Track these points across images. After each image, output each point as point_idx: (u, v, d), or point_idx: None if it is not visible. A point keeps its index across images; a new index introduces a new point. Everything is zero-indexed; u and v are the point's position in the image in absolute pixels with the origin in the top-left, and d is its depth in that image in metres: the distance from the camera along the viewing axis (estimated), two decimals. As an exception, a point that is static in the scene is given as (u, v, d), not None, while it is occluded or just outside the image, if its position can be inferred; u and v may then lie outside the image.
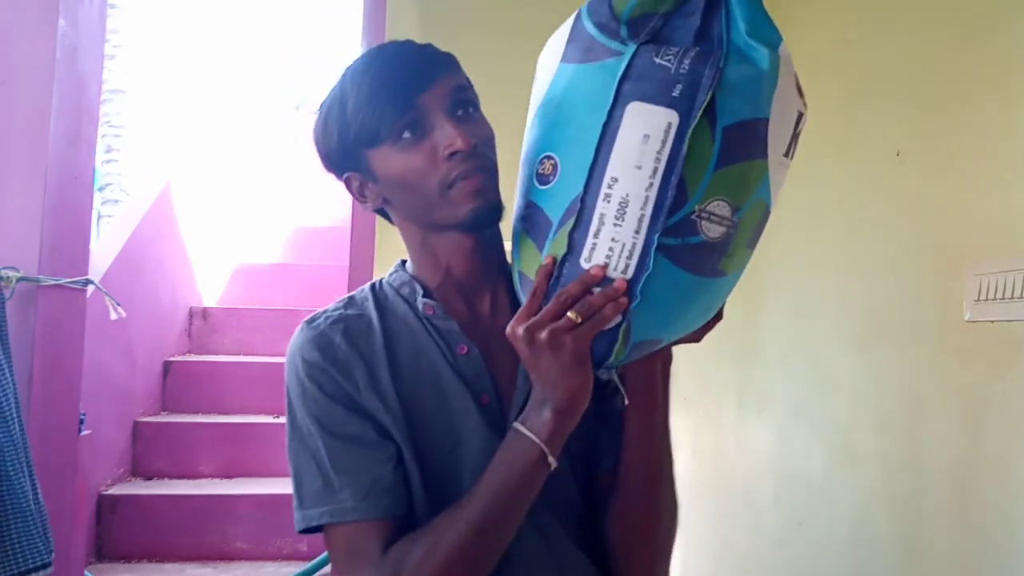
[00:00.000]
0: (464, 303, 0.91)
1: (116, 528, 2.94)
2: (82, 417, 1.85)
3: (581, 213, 0.75)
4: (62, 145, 1.67)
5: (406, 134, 0.83)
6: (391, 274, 0.95)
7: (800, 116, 0.80)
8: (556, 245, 0.77)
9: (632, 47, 0.75)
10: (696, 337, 0.85)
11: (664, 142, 0.73)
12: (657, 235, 0.73)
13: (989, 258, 1.30)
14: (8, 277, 1.55)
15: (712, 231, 0.74)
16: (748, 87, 0.74)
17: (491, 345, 0.89)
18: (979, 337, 1.32)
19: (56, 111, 1.64)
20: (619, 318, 0.75)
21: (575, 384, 0.76)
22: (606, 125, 0.74)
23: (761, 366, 2.15)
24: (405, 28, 2.36)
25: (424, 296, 0.90)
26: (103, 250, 3.19)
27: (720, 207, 0.74)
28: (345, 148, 0.87)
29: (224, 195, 4.74)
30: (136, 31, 6.45)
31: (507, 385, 0.89)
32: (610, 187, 0.74)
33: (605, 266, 0.74)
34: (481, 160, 0.84)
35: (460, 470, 0.86)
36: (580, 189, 0.75)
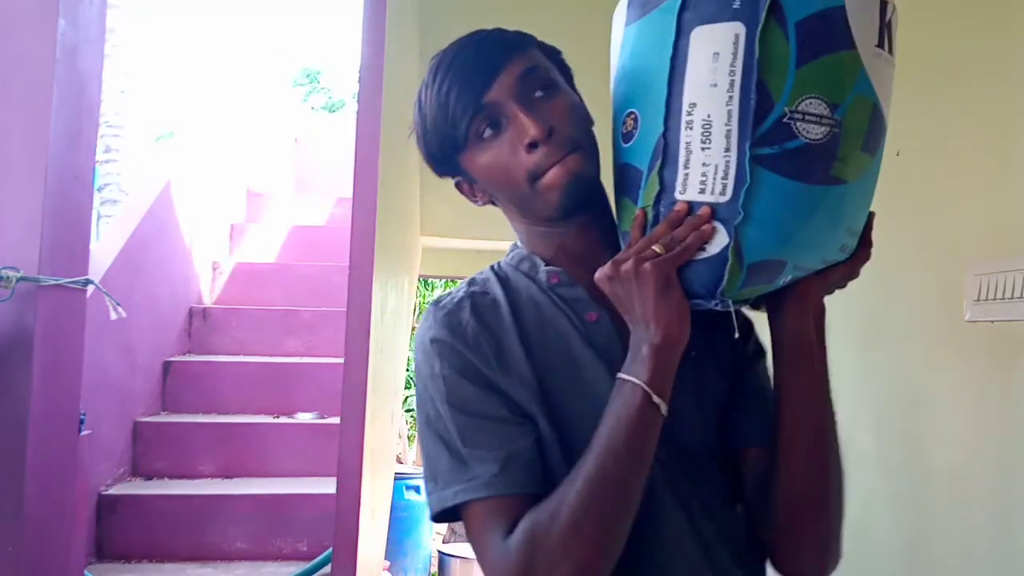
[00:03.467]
0: (586, 274, 0.86)
1: (116, 528, 2.94)
2: (82, 417, 1.85)
3: (666, 150, 0.74)
4: (62, 145, 1.67)
5: (486, 132, 0.83)
6: (507, 256, 0.94)
7: (885, 3, 0.76)
8: (648, 191, 0.76)
9: None
10: (849, 270, 0.84)
11: (735, 54, 0.70)
12: (748, 146, 0.71)
13: (989, 258, 1.30)
14: (8, 277, 1.55)
15: (811, 132, 0.71)
16: None
17: (618, 314, 0.84)
18: (979, 337, 1.32)
19: (56, 111, 1.64)
20: (726, 239, 0.72)
21: (665, 315, 0.74)
22: (674, 58, 0.73)
23: (761, 366, 2.15)
24: (405, 26, 2.36)
25: (545, 264, 0.89)
26: (103, 250, 3.19)
27: (814, 105, 0.71)
28: (437, 159, 0.88)
29: (224, 195, 4.74)
30: (137, 31, 6.44)
31: None
32: (690, 114, 0.72)
33: (701, 193, 0.72)
34: (562, 142, 0.82)
35: (578, 439, 0.82)
36: (661, 128, 0.73)
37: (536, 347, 0.85)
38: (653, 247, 0.74)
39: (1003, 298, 1.26)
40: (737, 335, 0.84)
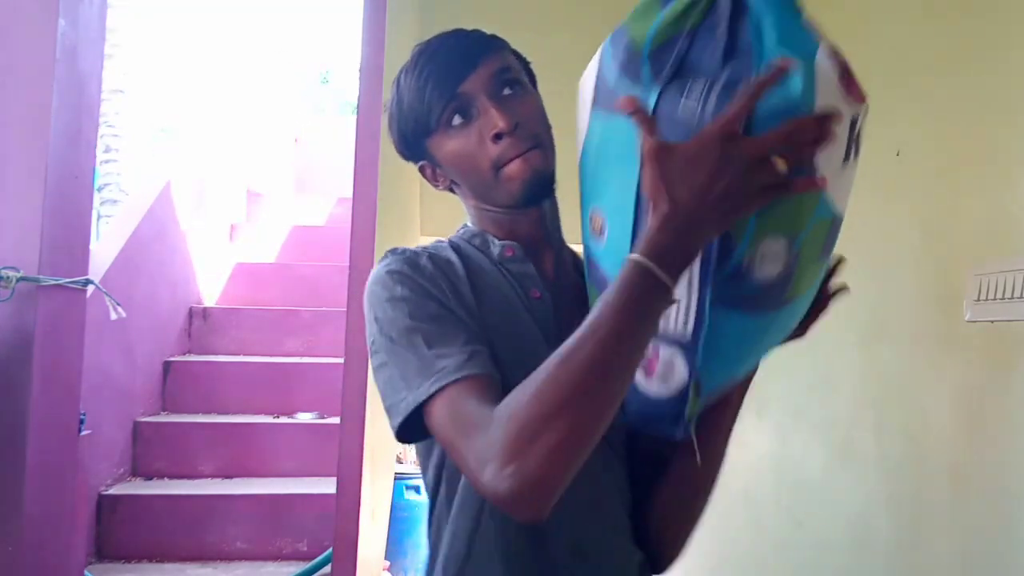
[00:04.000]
0: (532, 254, 0.94)
1: (116, 528, 2.94)
2: (82, 417, 1.85)
3: None
4: (62, 145, 1.67)
5: (456, 120, 0.88)
6: (457, 232, 0.99)
7: (856, 117, 0.72)
8: None
9: (656, 90, 0.71)
10: (800, 334, 0.85)
11: None
12: (709, 290, 0.71)
13: (989, 258, 1.30)
14: (8, 277, 1.55)
15: (768, 271, 0.71)
16: (781, 117, 0.65)
17: (557, 300, 0.92)
18: (979, 337, 1.32)
19: (56, 111, 1.64)
20: (687, 375, 0.74)
21: (700, 184, 0.66)
22: (640, 185, 0.71)
23: (761, 366, 2.15)
24: (405, 26, 2.36)
25: (498, 240, 0.93)
26: (103, 250, 3.19)
27: (772, 245, 0.70)
28: (408, 140, 0.94)
29: (224, 195, 4.74)
30: (135, 31, 6.44)
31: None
32: None
33: (664, 328, 0.73)
34: (525, 136, 0.87)
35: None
36: (628, 251, 0.70)
37: (485, 306, 0.88)
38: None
39: (1003, 298, 1.26)
40: (699, 459, 0.85)
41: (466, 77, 0.87)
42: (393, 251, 0.91)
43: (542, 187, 0.89)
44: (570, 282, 0.94)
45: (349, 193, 2.13)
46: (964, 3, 1.44)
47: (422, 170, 0.97)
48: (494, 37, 0.93)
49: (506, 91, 0.89)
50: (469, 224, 0.98)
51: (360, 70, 2.23)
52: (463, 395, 0.76)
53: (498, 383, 0.79)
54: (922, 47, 1.55)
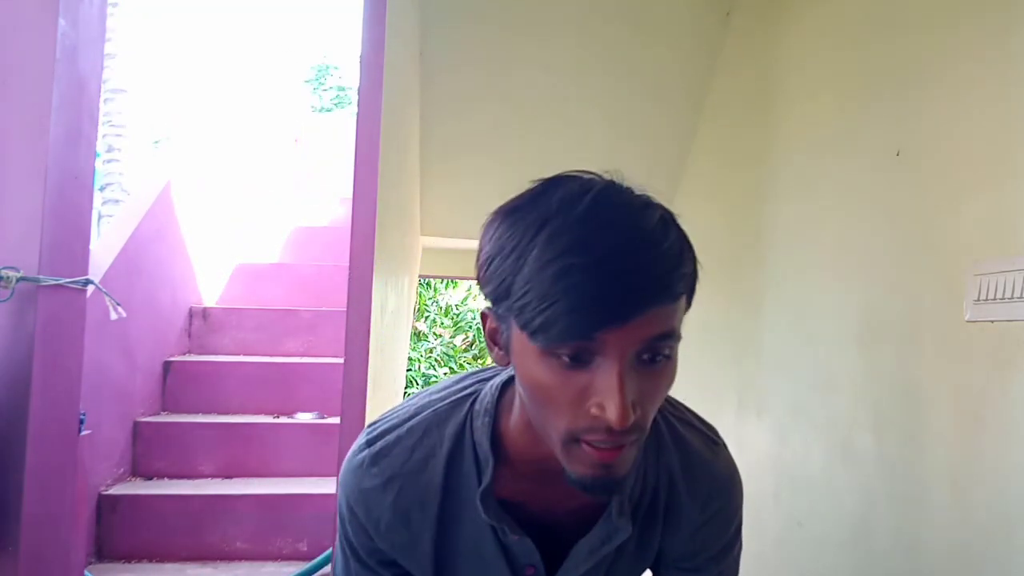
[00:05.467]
0: (540, 480, 0.82)
1: (116, 528, 2.94)
2: (82, 417, 1.85)
3: None
4: (62, 145, 1.67)
5: (565, 354, 0.67)
6: (483, 413, 0.84)
7: None
8: None
9: None
10: None
11: None
12: None
13: (989, 258, 1.30)
14: (8, 277, 1.55)
15: None
16: None
17: (551, 521, 0.84)
18: (979, 337, 1.32)
19: (56, 111, 1.64)
20: None
21: None
22: None
23: (761, 366, 2.15)
24: (405, 26, 2.36)
25: (492, 474, 0.82)
26: (103, 250, 3.19)
27: None
28: (500, 298, 0.70)
29: (224, 195, 4.74)
30: (136, 30, 6.44)
31: (559, 547, 0.85)
32: None
33: None
34: (629, 434, 0.67)
35: None
36: None
37: (450, 544, 0.85)
38: None
39: (1003, 298, 1.25)
40: None
41: (617, 326, 0.64)
42: (372, 455, 0.84)
43: (610, 488, 0.71)
44: (575, 506, 0.83)
45: (349, 193, 2.13)
46: (964, 3, 1.43)
47: (483, 317, 0.76)
48: (680, 263, 0.68)
49: (647, 357, 0.67)
50: (501, 418, 0.83)
51: (360, 70, 2.22)
52: None
53: None
54: (922, 47, 1.55)
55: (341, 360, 2.24)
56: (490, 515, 0.81)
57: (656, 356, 0.68)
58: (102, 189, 5.87)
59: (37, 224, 1.61)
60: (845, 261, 1.78)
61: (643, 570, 0.94)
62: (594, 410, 0.66)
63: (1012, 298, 1.23)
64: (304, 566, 2.79)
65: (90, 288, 1.79)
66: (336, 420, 2.31)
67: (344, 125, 6.92)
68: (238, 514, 3.03)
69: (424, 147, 2.76)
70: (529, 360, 0.69)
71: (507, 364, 0.74)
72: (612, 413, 0.64)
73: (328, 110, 14.77)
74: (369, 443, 0.85)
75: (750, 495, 2.31)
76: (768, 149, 2.17)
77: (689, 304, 0.71)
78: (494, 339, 0.75)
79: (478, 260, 0.74)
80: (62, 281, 1.65)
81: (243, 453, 3.33)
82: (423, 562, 0.85)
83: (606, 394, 0.65)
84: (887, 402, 1.60)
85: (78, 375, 1.80)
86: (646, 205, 0.70)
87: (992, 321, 1.29)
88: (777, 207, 2.10)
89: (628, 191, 0.71)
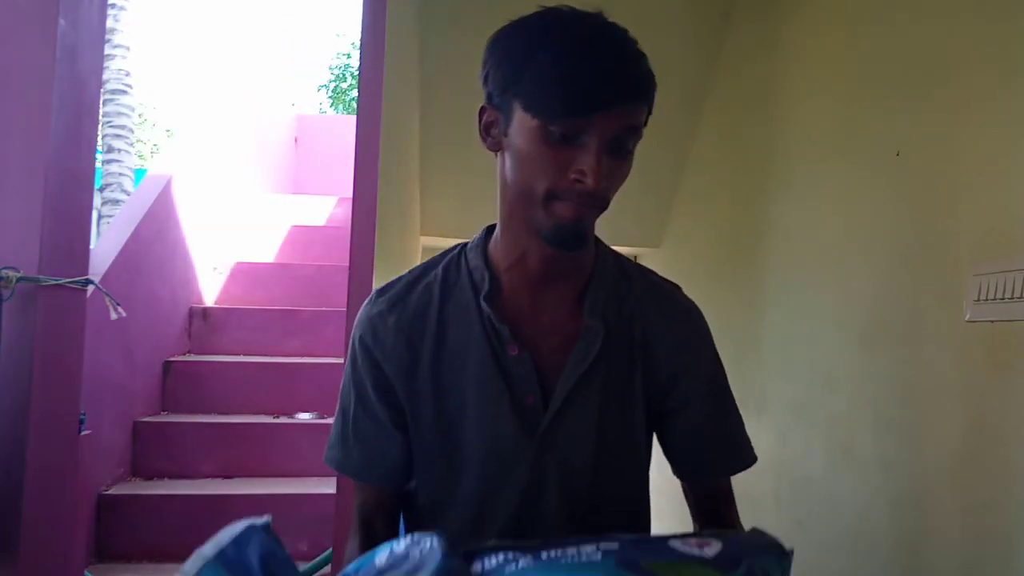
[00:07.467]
0: (528, 292, 0.94)
1: (116, 528, 2.94)
2: (82, 417, 1.85)
3: None
4: (62, 145, 1.67)
5: (557, 130, 0.82)
6: (473, 246, 0.99)
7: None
8: None
9: None
10: None
11: None
12: None
13: (989, 258, 1.30)
14: (8, 277, 1.55)
15: None
16: None
17: (541, 342, 0.93)
18: (979, 337, 1.32)
19: (56, 111, 1.64)
20: None
21: None
22: None
23: (761, 366, 2.15)
24: (405, 24, 2.36)
25: (490, 283, 0.94)
26: (103, 250, 3.19)
27: None
28: (504, 87, 0.85)
29: (224, 195, 4.74)
30: (136, 30, 6.44)
31: (553, 383, 0.93)
32: None
33: None
34: (597, 200, 0.85)
35: (467, 466, 0.93)
36: None
37: (451, 365, 0.93)
38: None
39: (1003, 298, 1.25)
40: None
41: (605, 110, 0.80)
42: (380, 293, 0.97)
43: (572, 240, 0.87)
44: (565, 323, 0.94)
45: (349, 193, 2.13)
46: (965, 3, 1.43)
47: (481, 111, 0.90)
48: (653, 78, 0.85)
49: (619, 150, 0.84)
50: (492, 236, 0.97)
51: (360, 71, 2.22)
52: (356, 485, 1.01)
53: (383, 492, 1.00)
54: (922, 47, 1.55)
55: (341, 360, 2.24)
56: (493, 314, 0.92)
57: (622, 148, 0.84)
58: (101, 189, 5.87)
59: (37, 224, 1.61)
60: (845, 261, 1.78)
61: (632, 427, 0.97)
62: (574, 175, 0.82)
63: (1012, 298, 1.23)
64: (304, 566, 2.79)
65: (90, 288, 1.79)
66: (336, 420, 2.31)
67: (344, 125, 6.92)
68: (238, 514, 2.98)
69: (424, 147, 2.76)
70: (526, 136, 0.84)
71: (497, 151, 0.90)
72: (591, 178, 0.81)
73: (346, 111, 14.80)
74: (379, 291, 0.98)
75: (750, 495, 2.31)
76: (768, 149, 2.17)
77: (647, 117, 0.87)
78: (488, 129, 0.90)
79: (484, 66, 0.88)
80: (62, 281, 1.65)
81: (243, 453, 3.33)
82: (423, 390, 0.93)
83: (587, 164, 0.81)
84: (887, 402, 1.60)
85: (78, 375, 1.80)
86: (626, 31, 0.85)
87: (992, 321, 1.29)
88: (777, 207, 2.10)
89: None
